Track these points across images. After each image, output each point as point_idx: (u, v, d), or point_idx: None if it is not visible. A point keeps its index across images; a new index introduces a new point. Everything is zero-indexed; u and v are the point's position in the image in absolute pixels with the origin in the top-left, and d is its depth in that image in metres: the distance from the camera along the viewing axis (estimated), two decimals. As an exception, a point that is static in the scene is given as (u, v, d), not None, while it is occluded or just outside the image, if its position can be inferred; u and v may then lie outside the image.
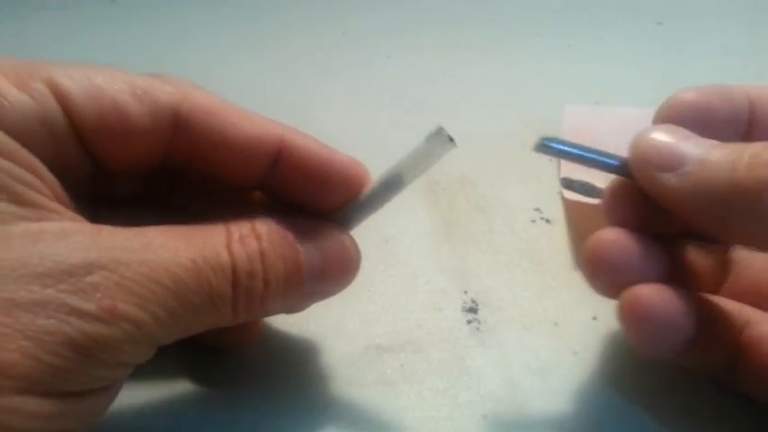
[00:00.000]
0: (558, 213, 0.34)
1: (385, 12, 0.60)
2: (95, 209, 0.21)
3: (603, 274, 0.22)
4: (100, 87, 0.20)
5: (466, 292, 0.29)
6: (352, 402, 0.24)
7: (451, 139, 0.22)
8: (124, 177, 0.24)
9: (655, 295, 0.21)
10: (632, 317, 0.21)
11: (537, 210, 0.34)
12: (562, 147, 0.23)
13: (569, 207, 0.34)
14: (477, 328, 0.28)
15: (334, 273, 0.23)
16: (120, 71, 0.21)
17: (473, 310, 0.28)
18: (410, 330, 0.27)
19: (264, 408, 0.24)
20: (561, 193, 0.35)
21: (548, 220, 0.34)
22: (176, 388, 0.25)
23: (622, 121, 0.39)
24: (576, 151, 0.23)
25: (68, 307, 0.17)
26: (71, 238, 0.18)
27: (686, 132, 0.21)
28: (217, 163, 0.22)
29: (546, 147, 0.23)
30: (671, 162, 0.21)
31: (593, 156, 0.23)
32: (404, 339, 0.27)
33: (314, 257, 0.22)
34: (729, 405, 0.24)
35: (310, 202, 0.24)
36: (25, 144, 0.19)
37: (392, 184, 0.23)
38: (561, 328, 0.27)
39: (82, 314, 0.17)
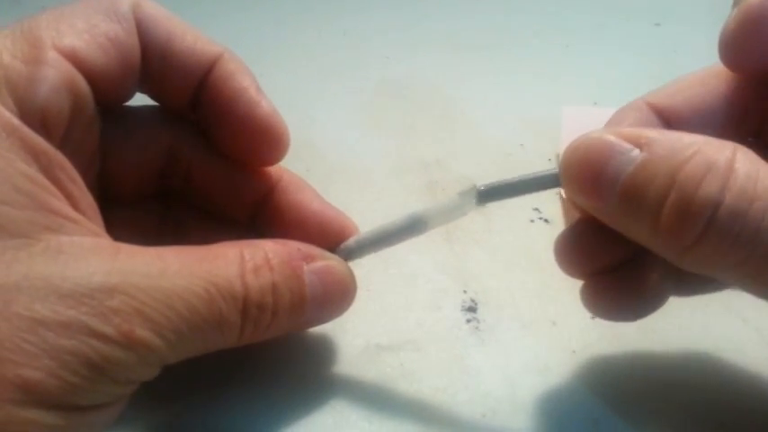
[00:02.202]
0: (556, 213, 0.34)
1: (385, 12, 0.60)
2: (104, 206, 0.22)
3: (564, 264, 0.23)
4: (94, 29, 0.21)
5: (465, 292, 0.29)
6: (352, 401, 0.25)
7: (483, 201, 0.22)
8: (133, 178, 0.25)
9: (593, 290, 0.23)
10: (587, 305, 0.23)
11: (536, 210, 0.34)
12: (502, 183, 0.22)
13: (568, 207, 0.34)
14: (477, 328, 0.28)
15: (333, 304, 0.24)
16: (80, 3, 0.22)
17: (472, 310, 0.29)
18: (409, 329, 0.28)
19: (263, 407, 0.24)
20: (560, 194, 0.35)
21: (546, 220, 0.34)
22: (175, 388, 0.25)
23: (621, 121, 0.39)
24: (517, 180, 0.22)
25: (89, 329, 0.17)
26: (91, 259, 0.18)
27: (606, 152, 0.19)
28: (159, 74, 0.23)
29: (487, 191, 0.22)
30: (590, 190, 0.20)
31: (534, 176, 0.22)
32: (403, 338, 0.27)
33: (317, 289, 0.23)
34: (723, 405, 0.24)
35: (228, 144, 0.24)
36: (56, 124, 0.19)
37: (414, 228, 0.24)
38: (560, 328, 0.27)
39: (101, 337, 0.17)
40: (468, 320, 0.28)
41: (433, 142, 0.41)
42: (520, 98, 0.45)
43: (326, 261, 0.23)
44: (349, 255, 0.25)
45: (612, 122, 0.23)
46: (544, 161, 0.38)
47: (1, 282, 0.17)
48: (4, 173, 0.18)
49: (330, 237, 0.25)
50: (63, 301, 0.17)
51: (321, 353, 0.26)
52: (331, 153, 0.40)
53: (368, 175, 0.38)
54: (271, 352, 0.26)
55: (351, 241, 0.25)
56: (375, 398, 0.25)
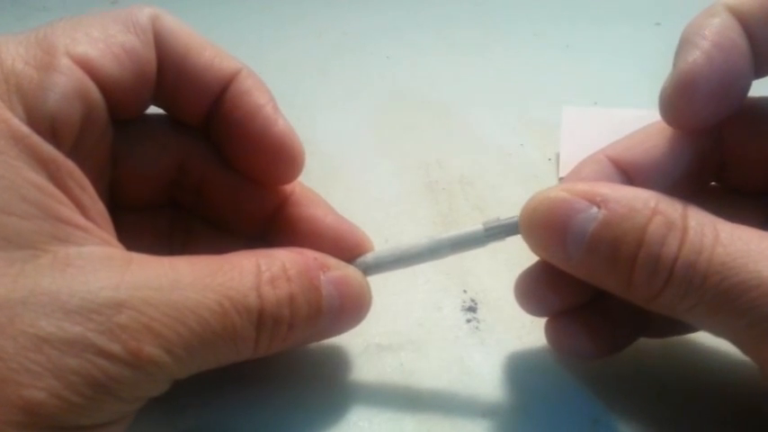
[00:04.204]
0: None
1: (385, 12, 0.60)
2: (114, 213, 0.21)
3: (525, 305, 0.24)
4: (110, 38, 0.21)
5: (465, 292, 0.29)
6: (352, 401, 0.25)
7: (505, 236, 0.24)
8: (144, 187, 0.24)
9: (559, 329, 0.24)
10: (549, 341, 0.24)
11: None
12: (505, 222, 0.23)
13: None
14: (477, 327, 0.28)
15: (349, 315, 0.23)
16: (98, 13, 0.22)
17: (472, 310, 0.29)
18: (410, 329, 0.28)
19: (263, 407, 0.24)
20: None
21: (546, 220, 0.34)
22: (175, 388, 0.25)
23: (620, 121, 0.39)
24: (515, 219, 0.23)
25: (96, 347, 0.17)
26: (99, 271, 0.18)
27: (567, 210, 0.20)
28: (174, 89, 0.23)
29: (493, 229, 0.23)
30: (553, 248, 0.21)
31: None
32: (403, 338, 0.27)
33: (333, 301, 0.22)
34: (723, 403, 0.24)
35: (242, 161, 0.24)
36: (66, 132, 0.19)
37: (435, 253, 0.24)
38: (560, 328, 0.27)
39: (108, 355, 0.17)
40: (468, 320, 0.28)
41: (433, 142, 0.41)
42: (520, 98, 0.45)
43: (343, 271, 0.23)
44: (365, 270, 0.24)
45: (573, 174, 0.24)
46: (544, 161, 0.38)
47: (7, 297, 0.17)
48: (11, 182, 0.17)
49: (344, 251, 0.24)
50: (69, 318, 0.17)
51: (321, 353, 0.26)
52: (332, 153, 0.40)
53: (368, 174, 0.38)
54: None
55: (369, 257, 0.25)
56: (375, 398, 0.25)
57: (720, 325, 0.19)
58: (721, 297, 0.18)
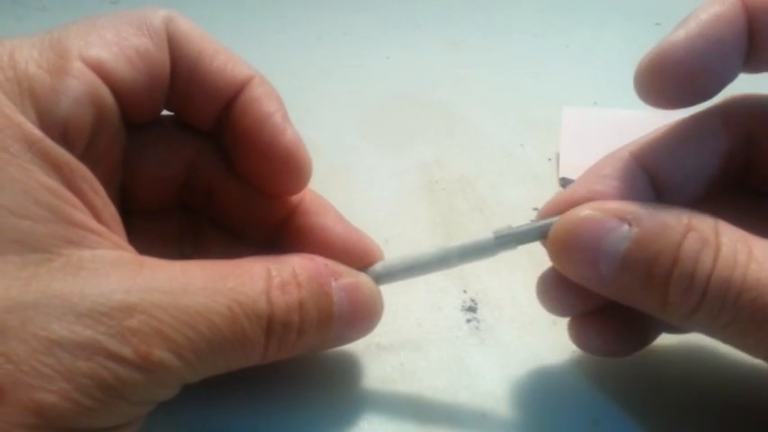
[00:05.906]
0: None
1: (384, 12, 0.60)
2: (125, 216, 0.21)
3: (548, 306, 0.24)
4: (124, 41, 0.21)
5: (465, 292, 0.30)
6: (352, 401, 0.25)
7: (516, 245, 0.23)
8: (155, 190, 0.24)
9: (582, 329, 0.24)
10: (573, 340, 0.24)
11: (536, 210, 0.34)
12: (517, 231, 0.23)
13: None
14: (477, 327, 0.28)
15: (360, 322, 0.23)
16: (112, 14, 0.22)
17: (472, 309, 0.29)
18: (410, 329, 0.28)
19: (263, 407, 0.24)
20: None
21: (546, 220, 0.34)
22: (180, 389, 0.25)
23: (620, 121, 0.39)
24: (527, 227, 0.23)
25: (106, 351, 0.17)
26: (111, 275, 0.18)
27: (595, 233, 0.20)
28: (185, 93, 0.23)
29: (504, 238, 0.23)
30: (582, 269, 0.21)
31: (542, 223, 0.22)
32: (403, 338, 0.27)
33: (344, 307, 0.22)
34: (723, 403, 0.24)
35: (249, 169, 0.24)
36: (78, 136, 0.19)
37: (444, 262, 0.24)
38: (560, 327, 0.27)
39: (118, 359, 0.17)
40: (468, 320, 0.28)
41: (433, 142, 0.41)
42: (520, 98, 0.45)
43: (354, 278, 0.23)
44: (375, 280, 0.24)
45: (594, 170, 0.23)
46: (544, 161, 0.38)
47: (19, 299, 0.17)
48: (25, 185, 0.17)
49: (354, 260, 0.24)
50: (80, 321, 0.17)
51: (322, 353, 0.26)
52: (332, 153, 0.40)
53: (368, 174, 0.38)
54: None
55: (378, 266, 0.24)
56: (375, 398, 0.25)
57: (757, 344, 0.19)
58: (757, 314, 0.18)
